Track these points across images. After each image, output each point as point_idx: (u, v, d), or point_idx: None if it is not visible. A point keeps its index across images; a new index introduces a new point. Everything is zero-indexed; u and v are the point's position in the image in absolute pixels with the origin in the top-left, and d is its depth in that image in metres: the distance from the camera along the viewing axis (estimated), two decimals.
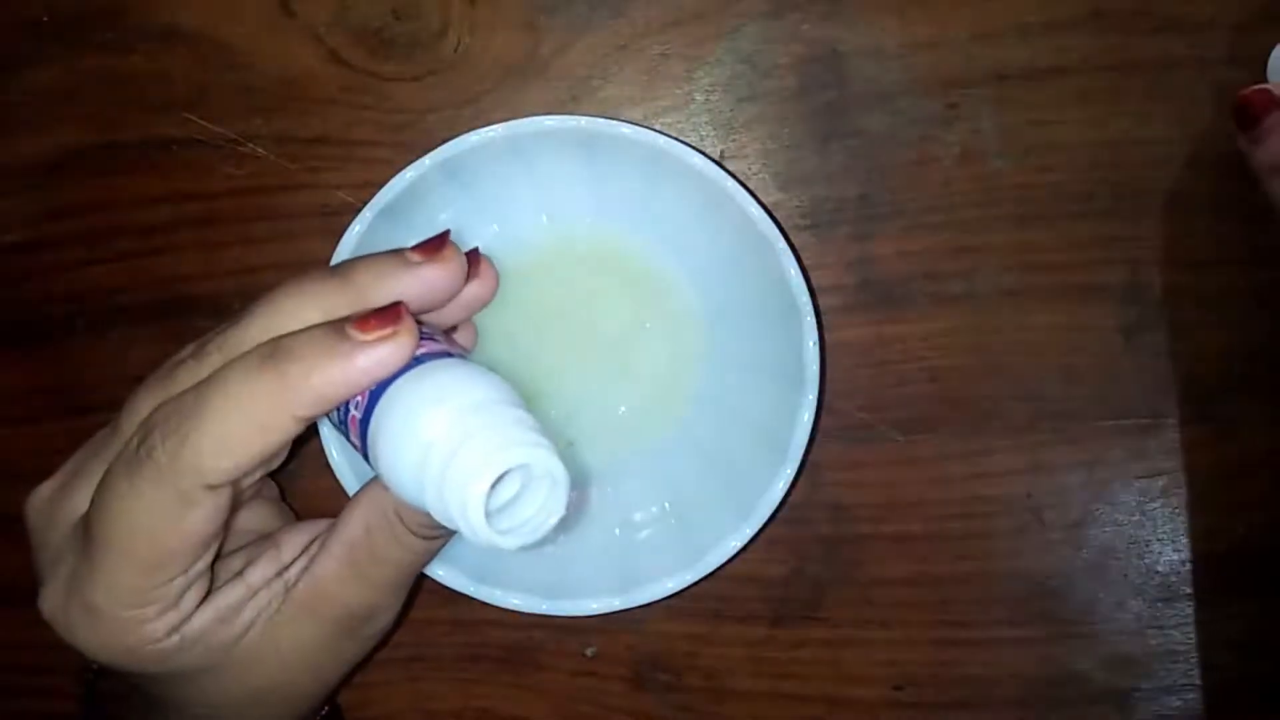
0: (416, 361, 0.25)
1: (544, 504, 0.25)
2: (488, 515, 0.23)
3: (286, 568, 0.29)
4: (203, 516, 0.25)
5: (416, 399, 0.24)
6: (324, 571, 0.28)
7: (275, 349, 0.24)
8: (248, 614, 0.28)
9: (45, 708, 0.40)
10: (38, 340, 0.40)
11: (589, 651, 0.39)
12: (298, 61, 0.37)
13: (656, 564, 0.35)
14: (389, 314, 0.25)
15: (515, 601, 0.34)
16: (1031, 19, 0.35)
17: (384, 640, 0.32)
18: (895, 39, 0.36)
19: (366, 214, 0.32)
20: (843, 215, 0.37)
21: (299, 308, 0.26)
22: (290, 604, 0.28)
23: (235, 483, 0.25)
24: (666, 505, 0.36)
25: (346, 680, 0.33)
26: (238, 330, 0.26)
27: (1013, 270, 0.36)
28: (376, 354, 0.24)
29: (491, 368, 0.36)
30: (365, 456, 0.25)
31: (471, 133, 0.32)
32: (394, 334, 0.24)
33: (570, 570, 0.35)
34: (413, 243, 0.35)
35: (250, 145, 0.38)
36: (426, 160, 0.32)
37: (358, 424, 0.25)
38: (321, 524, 0.30)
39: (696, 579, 0.34)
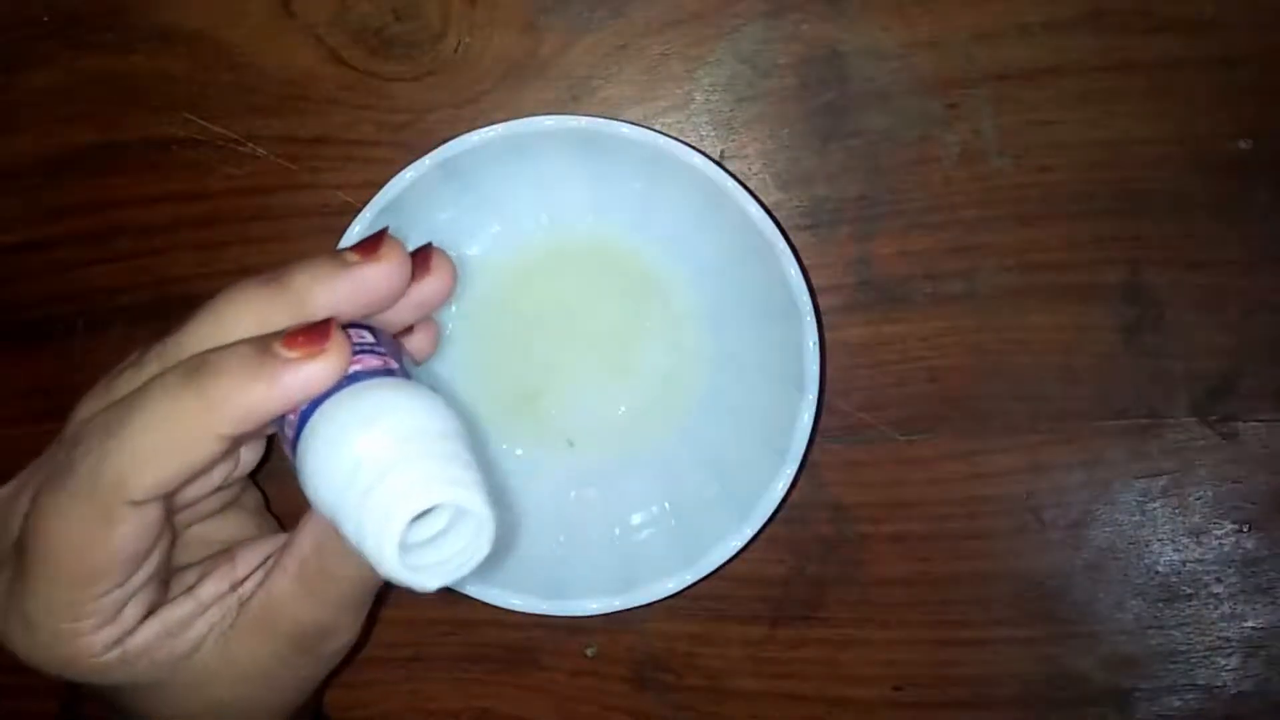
0: (351, 379, 0.24)
1: (469, 544, 0.23)
2: (410, 549, 0.22)
3: (241, 582, 0.28)
4: (128, 532, 0.24)
5: (343, 422, 0.23)
6: (277, 588, 0.27)
7: (199, 365, 0.23)
8: (198, 629, 0.27)
9: (40, 707, 0.40)
10: (38, 340, 0.40)
11: (589, 651, 0.39)
12: (298, 61, 0.37)
13: (656, 564, 0.35)
14: (317, 331, 0.23)
15: (515, 601, 0.34)
16: (1031, 19, 0.35)
17: (348, 658, 0.31)
18: (895, 39, 0.36)
19: (366, 214, 0.32)
20: (843, 215, 0.37)
21: (235, 317, 0.25)
22: (244, 620, 0.27)
23: (166, 498, 0.24)
24: (666, 505, 0.36)
25: (320, 693, 0.33)
26: (176, 339, 0.25)
27: (1013, 270, 0.36)
28: (303, 373, 0.23)
29: (492, 376, 0.36)
30: None
31: (471, 133, 0.32)
32: (322, 352, 0.23)
33: (570, 570, 0.35)
34: (413, 244, 0.35)
35: (250, 145, 0.38)
36: (426, 160, 0.32)
37: (290, 443, 0.24)
38: (281, 538, 0.29)
39: (696, 579, 0.34)
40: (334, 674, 0.31)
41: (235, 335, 0.24)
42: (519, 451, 0.37)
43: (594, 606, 0.34)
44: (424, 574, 0.23)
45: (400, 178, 0.32)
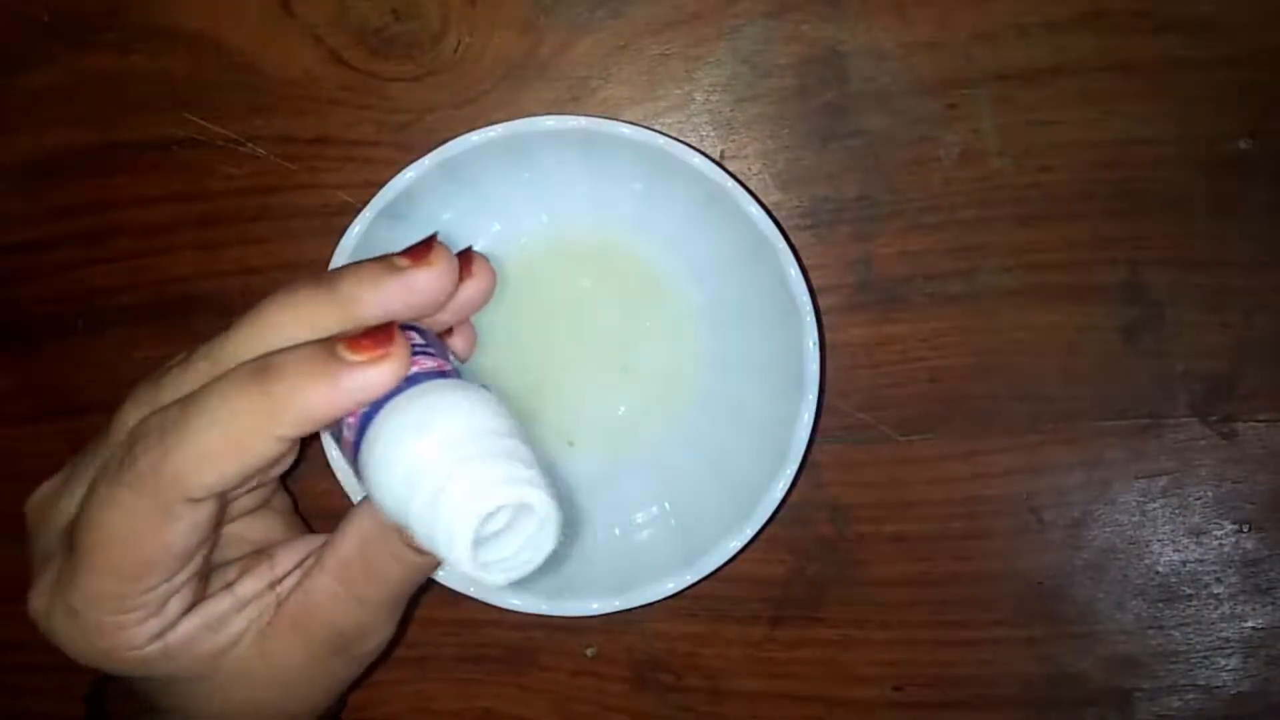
0: (409, 381, 0.24)
1: (532, 539, 0.24)
2: (475, 546, 0.23)
3: (279, 581, 0.29)
4: (183, 529, 0.24)
5: (407, 425, 0.23)
6: (316, 587, 0.28)
7: (264, 367, 0.24)
8: (236, 625, 0.27)
9: (51, 708, 0.40)
10: (38, 340, 0.40)
11: (589, 651, 0.39)
12: (298, 61, 0.37)
13: (657, 564, 0.35)
14: (381, 335, 0.24)
15: (515, 602, 0.34)
16: (1031, 19, 0.35)
17: (381, 657, 0.31)
18: (895, 39, 0.36)
19: (366, 214, 0.32)
20: (843, 215, 0.37)
21: (286, 321, 0.25)
22: (281, 619, 0.28)
23: (220, 496, 0.25)
24: (666, 505, 0.36)
25: (345, 696, 0.33)
26: (225, 341, 0.25)
27: (1013, 270, 0.36)
28: (366, 377, 0.23)
29: (493, 376, 0.36)
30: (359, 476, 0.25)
31: (471, 133, 0.32)
32: (385, 356, 0.24)
33: (570, 570, 0.35)
34: (411, 244, 0.35)
35: (250, 145, 0.38)
36: (426, 160, 0.32)
37: (351, 445, 0.24)
38: (320, 539, 0.29)
39: (696, 579, 0.34)
40: (365, 674, 0.31)
41: (284, 337, 0.25)
42: None
43: (594, 606, 0.34)
44: (493, 571, 0.23)
45: (400, 178, 0.32)
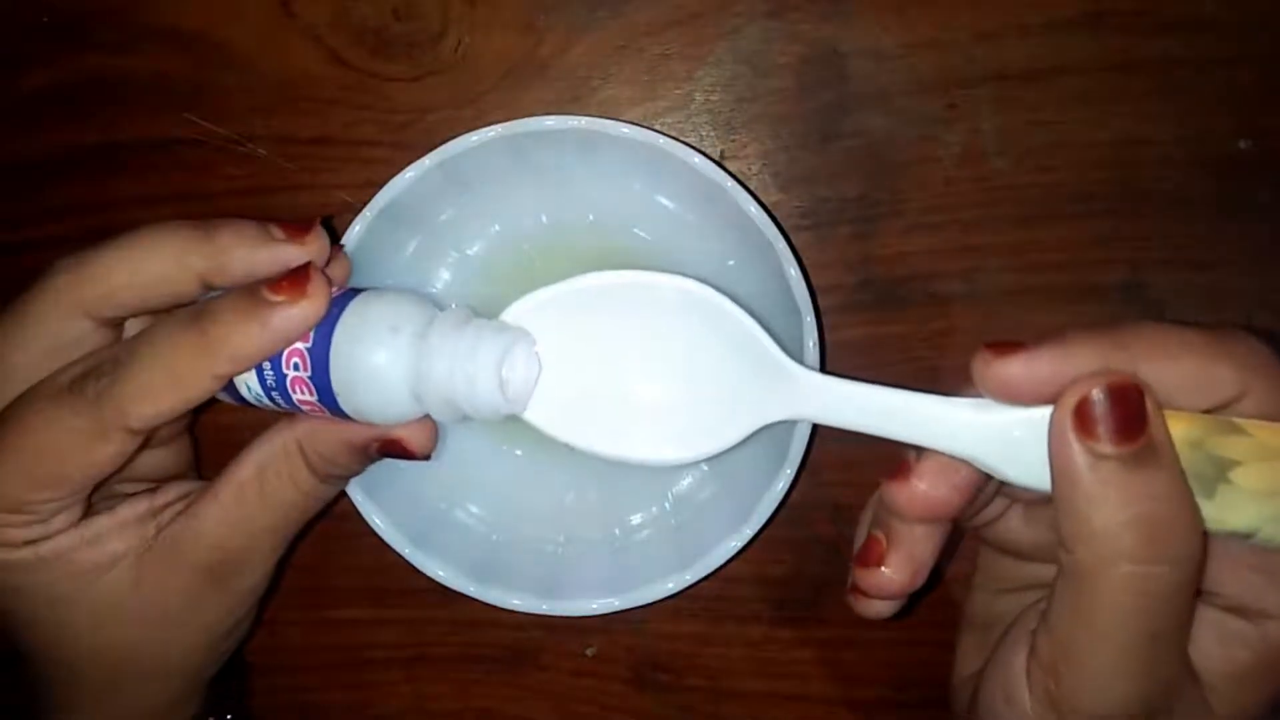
0: (339, 302, 0.27)
1: (520, 366, 0.27)
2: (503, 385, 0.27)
3: (160, 510, 0.29)
4: (111, 452, 0.26)
5: (375, 332, 0.26)
6: (203, 513, 0.28)
7: (199, 313, 0.26)
8: (114, 545, 0.28)
9: None
10: None
11: (589, 651, 0.39)
12: (298, 61, 0.37)
13: (656, 564, 0.35)
14: (300, 276, 0.26)
15: (515, 602, 0.34)
16: (1031, 19, 0.35)
17: (256, 619, 0.31)
18: (895, 39, 0.36)
19: (366, 214, 0.32)
20: (843, 215, 0.37)
21: (158, 246, 0.27)
22: (161, 543, 0.28)
23: (152, 430, 0.27)
24: (666, 505, 0.36)
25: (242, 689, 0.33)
26: (99, 255, 0.28)
27: (1013, 270, 0.36)
28: (290, 315, 0.26)
29: None
30: (288, 406, 0.27)
31: (471, 133, 0.32)
32: (304, 294, 0.26)
33: (570, 570, 0.35)
34: (414, 244, 0.35)
35: (250, 145, 0.38)
36: (426, 160, 0.32)
37: (307, 381, 0.26)
38: (200, 483, 0.30)
39: (696, 579, 0.34)
40: (238, 648, 0.32)
41: (151, 262, 0.27)
42: (519, 452, 0.37)
43: (594, 606, 0.34)
44: (523, 405, 0.28)
45: (400, 178, 0.32)
